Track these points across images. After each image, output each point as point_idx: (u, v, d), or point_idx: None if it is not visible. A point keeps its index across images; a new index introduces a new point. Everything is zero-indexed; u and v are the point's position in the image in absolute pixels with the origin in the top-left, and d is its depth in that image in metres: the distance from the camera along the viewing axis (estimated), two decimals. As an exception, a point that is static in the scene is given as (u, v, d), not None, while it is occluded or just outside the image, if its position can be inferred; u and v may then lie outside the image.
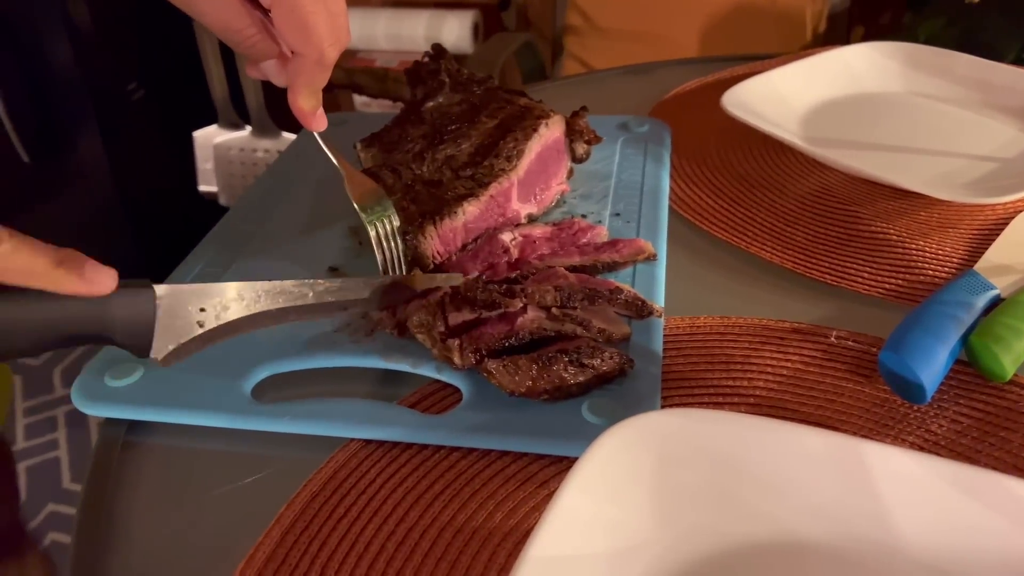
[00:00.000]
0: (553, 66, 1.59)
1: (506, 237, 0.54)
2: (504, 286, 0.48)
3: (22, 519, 0.82)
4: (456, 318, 0.46)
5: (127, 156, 1.68)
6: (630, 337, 0.47)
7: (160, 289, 0.42)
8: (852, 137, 0.70)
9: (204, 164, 1.55)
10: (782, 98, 0.73)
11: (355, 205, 0.51)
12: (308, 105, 0.48)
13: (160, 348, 0.42)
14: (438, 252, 0.53)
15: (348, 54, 1.84)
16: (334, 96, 1.93)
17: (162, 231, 1.79)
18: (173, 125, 1.67)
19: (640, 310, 0.48)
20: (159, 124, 1.73)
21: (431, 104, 0.61)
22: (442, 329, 0.46)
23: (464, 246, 0.54)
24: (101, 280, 0.39)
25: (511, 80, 1.59)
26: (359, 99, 1.79)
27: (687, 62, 0.90)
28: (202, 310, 0.43)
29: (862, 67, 0.79)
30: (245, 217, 0.63)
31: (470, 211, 0.53)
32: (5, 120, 1.59)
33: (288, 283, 0.45)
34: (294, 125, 1.02)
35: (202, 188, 1.59)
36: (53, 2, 1.53)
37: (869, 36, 1.73)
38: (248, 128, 1.56)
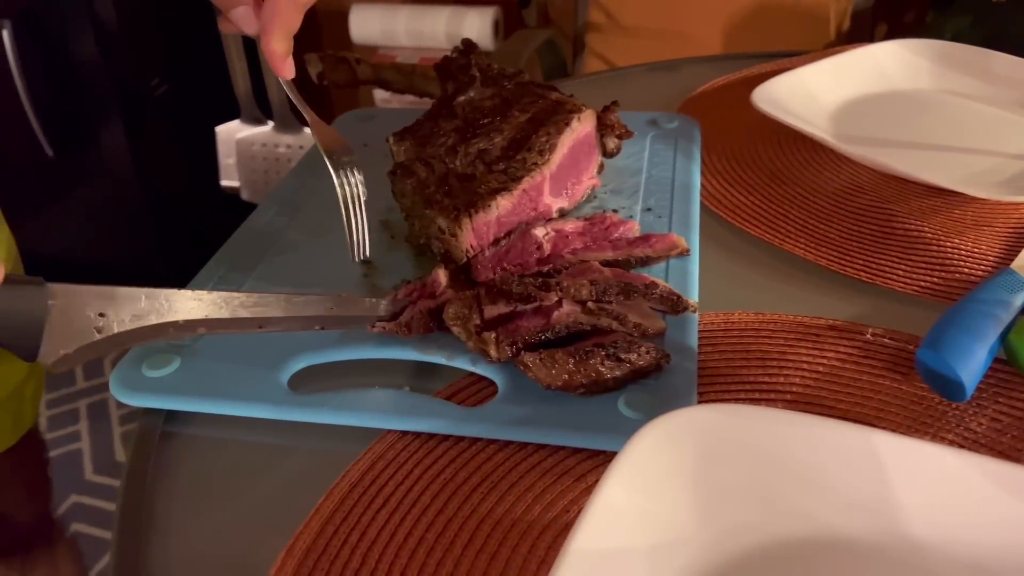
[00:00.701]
0: (574, 64, 1.59)
1: (539, 232, 0.54)
2: (540, 279, 0.48)
3: (52, 511, 0.83)
4: (492, 311, 0.46)
5: (150, 151, 1.69)
6: (665, 332, 0.47)
7: (55, 288, 0.40)
8: (883, 135, 0.69)
9: (226, 159, 1.56)
10: (812, 95, 0.73)
11: (321, 152, 0.51)
12: (281, 48, 0.49)
13: (49, 352, 0.40)
14: (472, 245, 0.53)
15: (369, 50, 1.85)
16: (357, 93, 1.94)
17: (184, 225, 1.81)
18: (196, 120, 1.68)
19: (675, 305, 0.48)
20: (182, 119, 1.74)
21: (463, 98, 0.61)
22: (478, 322, 0.46)
23: (497, 240, 0.54)
24: None
25: (532, 77, 1.59)
26: (380, 96, 1.80)
27: (713, 59, 0.90)
28: (101, 315, 0.41)
29: (892, 65, 0.78)
30: (275, 214, 0.63)
31: (503, 205, 0.53)
32: (30, 114, 1.60)
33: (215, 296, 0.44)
34: (314, 110, 1.02)
35: (224, 183, 1.60)
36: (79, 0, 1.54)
37: (893, 34, 1.72)
38: (270, 123, 1.57)
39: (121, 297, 0.41)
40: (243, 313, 0.44)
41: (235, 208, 1.39)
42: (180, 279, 0.55)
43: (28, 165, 1.69)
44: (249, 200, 1.58)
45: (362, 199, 0.51)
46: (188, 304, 0.43)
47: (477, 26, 1.72)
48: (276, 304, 0.44)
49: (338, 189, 0.50)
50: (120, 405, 1.68)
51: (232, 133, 1.57)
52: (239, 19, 0.48)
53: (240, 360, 0.47)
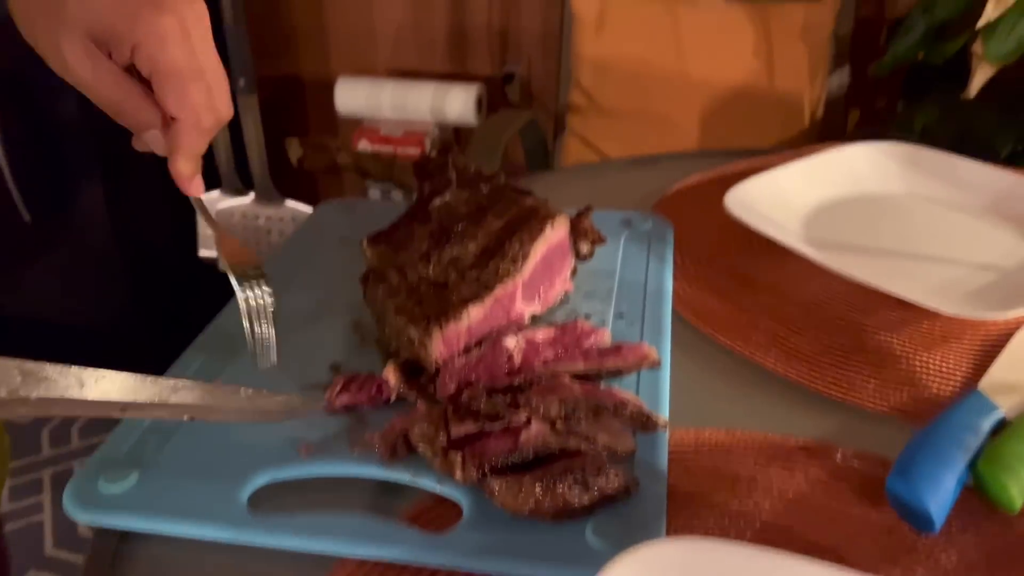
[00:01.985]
0: (555, 142, 1.61)
1: (510, 342, 0.53)
2: (508, 396, 0.47)
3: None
4: (459, 430, 0.46)
5: (129, 217, 1.68)
6: (635, 452, 0.47)
7: None
8: (854, 240, 0.70)
9: (205, 229, 1.56)
10: (785, 198, 0.74)
11: (226, 269, 0.51)
12: (187, 169, 0.50)
13: None
14: (441, 355, 0.52)
15: (353, 122, 1.87)
16: (341, 179, 1.95)
17: (160, 292, 1.79)
18: (177, 188, 1.68)
19: (645, 424, 0.48)
20: (163, 187, 1.74)
21: (438, 201, 0.61)
22: (444, 441, 0.45)
23: (468, 349, 0.54)
24: None
25: (514, 155, 1.61)
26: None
27: (690, 155, 0.92)
28: None
29: (864, 167, 0.80)
30: (235, 324, 0.62)
31: (475, 314, 0.53)
32: (8, 177, 1.59)
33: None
34: (297, 193, 1.02)
35: (202, 253, 1.59)
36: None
37: (864, 121, 1.76)
38: (251, 194, 1.58)
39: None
40: (94, 394, 0.40)
41: (212, 278, 1.39)
42: (154, 345, 0.54)
43: (2, 228, 1.67)
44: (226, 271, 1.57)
45: (269, 311, 0.50)
46: (41, 376, 0.39)
47: (461, 102, 1.75)
48: (142, 388, 0.42)
49: (240, 303, 0.50)
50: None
51: (213, 203, 1.57)
52: (149, 140, 0.50)
53: (200, 474, 0.46)
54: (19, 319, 1.81)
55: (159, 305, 1.77)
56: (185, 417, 0.43)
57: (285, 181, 1.58)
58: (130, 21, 0.46)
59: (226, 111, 0.50)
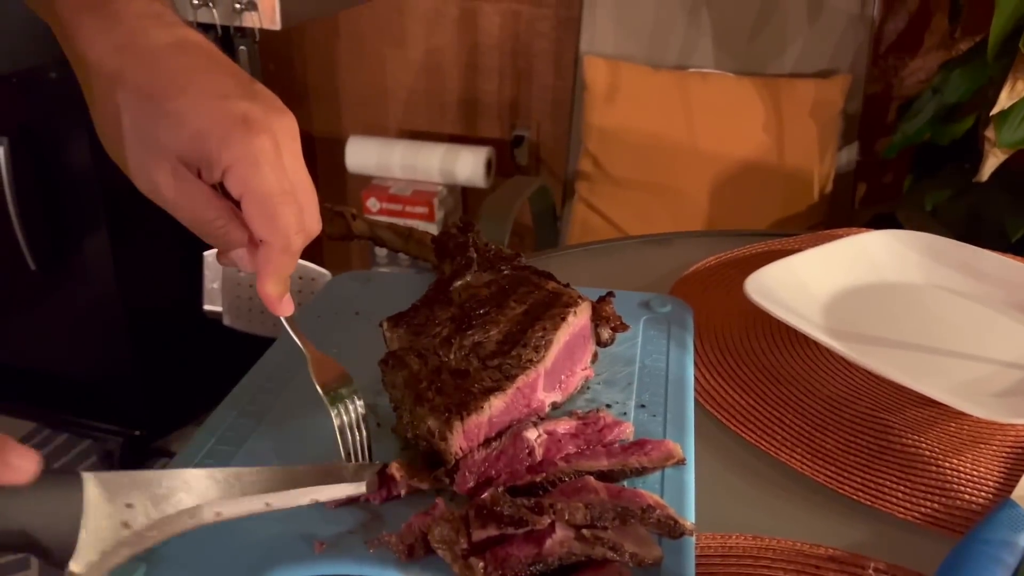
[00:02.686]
0: (563, 207, 1.61)
1: (531, 435, 0.52)
2: (532, 500, 0.46)
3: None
4: (480, 534, 0.44)
5: (134, 269, 1.68)
6: (662, 560, 0.45)
7: (87, 478, 0.36)
8: (876, 329, 0.70)
9: (211, 284, 1.55)
10: (803, 285, 0.74)
11: (318, 389, 0.51)
12: (276, 291, 0.49)
13: (82, 556, 0.35)
14: (461, 447, 0.51)
15: (363, 180, 1.88)
16: (355, 246, 1.96)
17: (162, 345, 1.78)
18: (184, 242, 1.68)
19: (672, 530, 0.46)
20: (170, 240, 1.73)
21: (459, 283, 0.61)
22: (465, 546, 0.44)
23: (488, 441, 0.52)
24: (22, 465, 0.34)
25: (522, 216, 1.61)
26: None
27: (704, 234, 0.92)
28: (129, 506, 0.37)
29: (882, 256, 0.79)
30: (263, 386, 0.61)
31: (496, 405, 0.52)
32: (16, 226, 1.59)
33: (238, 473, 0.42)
34: (306, 252, 1.02)
35: (207, 307, 1.58)
36: (77, 114, 1.56)
37: (872, 196, 1.78)
38: (258, 251, 1.58)
39: (141, 482, 0.38)
40: (243, 492, 0.41)
41: (215, 332, 1.37)
42: (154, 399, 0.53)
43: (9, 277, 1.67)
44: (231, 326, 1.56)
45: (361, 424, 0.51)
46: (203, 484, 0.40)
47: (470, 164, 1.76)
48: (280, 480, 0.43)
49: (335, 421, 0.50)
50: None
51: (219, 258, 1.56)
52: (236, 259, 0.49)
53: (210, 571, 0.44)
54: (21, 369, 1.80)
55: (162, 358, 1.75)
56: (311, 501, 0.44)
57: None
58: (222, 144, 0.44)
59: (315, 228, 0.49)
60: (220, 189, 0.47)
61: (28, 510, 0.34)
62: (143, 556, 0.44)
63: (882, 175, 1.77)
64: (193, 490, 0.39)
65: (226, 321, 1.61)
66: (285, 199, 0.46)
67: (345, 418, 0.50)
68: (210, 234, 0.47)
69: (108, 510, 0.36)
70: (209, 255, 1.59)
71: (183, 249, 1.64)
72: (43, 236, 1.62)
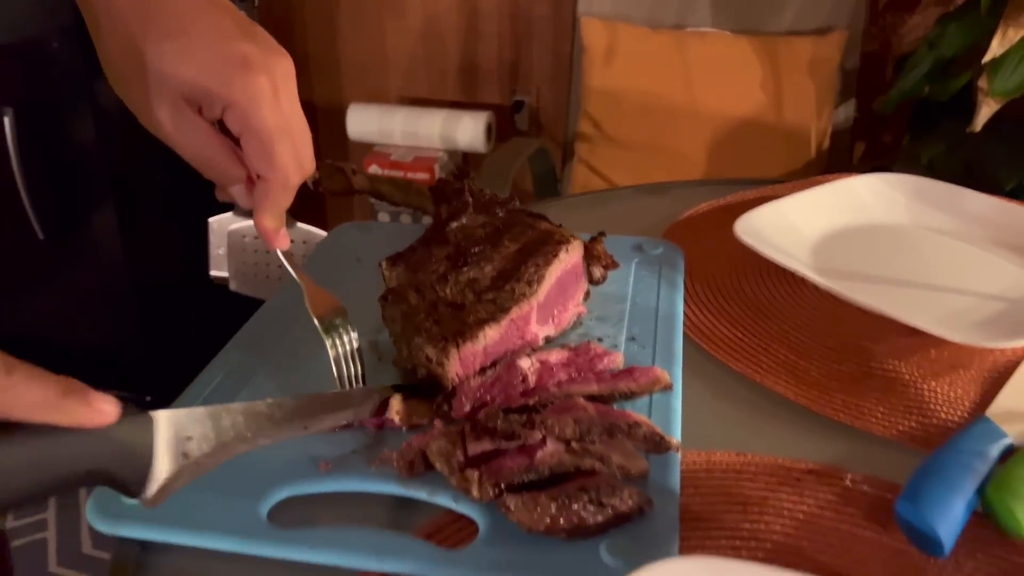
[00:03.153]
0: (563, 170, 1.63)
1: (524, 364, 0.54)
2: (524, 416, 0.48)
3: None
4: (476, 448, 0.47)
5: (141, 237, 1.70)
6: (648, 473, 0.48)
7: (159, 417, 0.40)
8: (863, 268, 0.71)
9: (217, 250, 1.57)
10: (793, 226, 0.75)
11: (314, 320, 0.53)
12: (273, 225, 0.52)
13: (152, 485, 0.39)
14: (458, 374, 0.53)
15: (364, 147, 1.89)
16: (351, 202, 1.98)
17: (169, 312, 1.81)
18: (189, 209, 1.70)
19: (658, 445, 0.49)
20: (175, 208, 1.76)
21: (455, 225, 0.63)
22: (461, 459, 0.46)
23: (483, 369, 0.55)
24: (106, 409, 0.37)
25: (522, 182, 1.63)
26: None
27: (699, 183, 0.93)
28: (188, 439, 0.40)
29: (871, 198, 0.81)
30: (269, 325, 0.63)
31: (491, 335, 0.54)
32: (24, 196, 1.62)
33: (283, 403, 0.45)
34: (308, 216, 1.03)
35: (213, 273, 1.60)
36: (80, 85, 1.57)
37: (870, 154, 1.78)
38: (263, 217, 1.60)
39: (202, 417, 0.41)
40: (281, 418, 0.44)
41: (222, 298, 1.40)
42: (161, 366, 0.56)
43: (18, 246, 1.69)
44: (238, 291, 1.58)
45: (356, 356, 0.53)
46: (246, 414, 0.43)
47: (471, 129, 1.77)
48: (311, 403, 0.46)
49: (330, 351, 0.52)
50: (90, 493, 1.64)
51: (224, 225, 1.58)
52: (235, 195, 0.52)
53: (221, 488, 0.47)
54: (30, 339, 1.83)
55: (169, 325, 1.78)
56: (343, 422, 0.50)
57: (296, 204, 1.60)
58: (222, 82, 0.46)
59: (310, 166, 0.51)
60: (220, 127, 0.49)
61: (110, 449, 0.38)
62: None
63: (881, 133, 1.78)
64: (241, 420, 0.43)
65: (232, 286, 1.64)
66: (282, 137, 0.48)
67: (340, 348, 0.52)
68: (210, 170, 0.50)
69: (173, 443, 0.40)
70: (214, 221, 1.61)
71: (188, 216, 1.67)
72: (50, 205, 1.64)
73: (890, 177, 0.83)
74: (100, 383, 0.42)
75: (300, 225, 1.53)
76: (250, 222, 1.64)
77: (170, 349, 1.76)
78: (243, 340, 0.62)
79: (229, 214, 1.61)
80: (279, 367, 0.58)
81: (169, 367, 1.75)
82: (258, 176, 0.50)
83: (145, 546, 0.46)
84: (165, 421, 0.40)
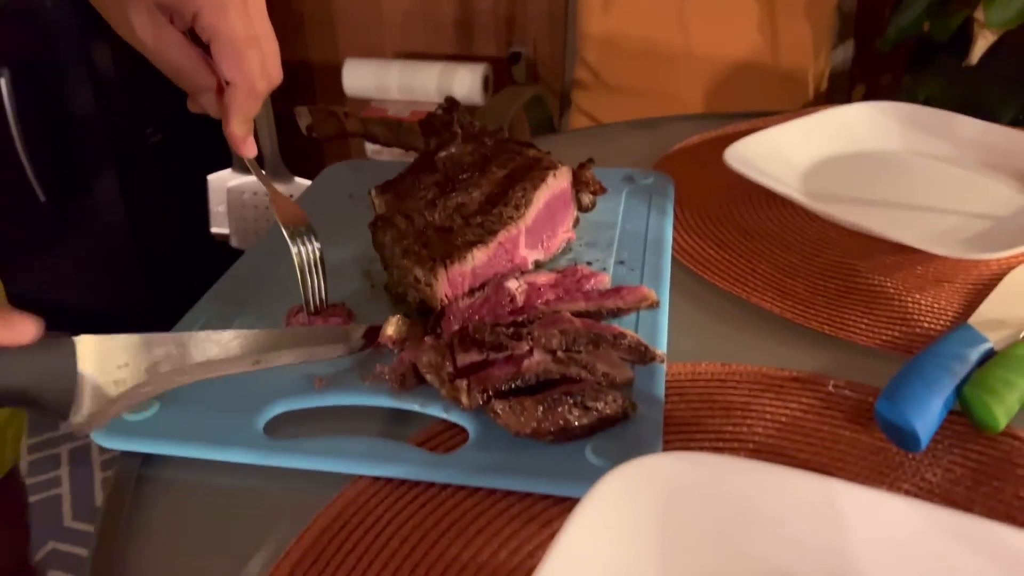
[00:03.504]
0: (561, 119, 1.62)
1: (512, 285, 0.55)
2: (511, 329, 0.49)
3: (30, 556, 0.82)
4: (464, 359, 0.48)
5: (141, 197, 1.71)
6: (633, 382, 0.49)
7: (83, 341, 0.39)
8: (851, 193, 0.72)
9: (217, 207, 1.58)
10: (783, 155, 0.76)
11: (280, 225, 0.54)
12: (241, 131, 0.54)
13: (79, 410, 0.39)
14: (446, 295, 0.54)
15: (361, 103, 1.89)
16: (348, 144, 1.97)
17: (173, 271, 1.82)
18: (188, 168, 1.70)
19: (643, 355, 0.50)
20: (174, 167, 1.76)
21: (444, 154, 0.63)
22: (450, 370, 0.47)
23: (472, 291, 0.56)
24: (24, 328, 0.36)
25: (520, 132, 1.62)
26: (371, 147, 1.83)
27: (691, 118, 0.93)
28: (121, 366, 0.40)
29: (861, 126, 0.81)
30: (259, 261, 0.64)
31: (479, 256, 0.55)
32: (24, 160, 1.62)
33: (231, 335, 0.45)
34: (307, 171, 1.04)
35: (214, 230, 1.62)
36: (76, 47, 1.57)
37: (870, 96, 1.76)
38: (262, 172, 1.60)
39: (137, 345, 0.41)
40: (235, 351, 0.45)
41: (223, 254, 1.41)
42: (168, 324, 0.57)
43: (21, 210, 1.71)
44: (238, 247, 1.59)
45: (318, 265, 0.54)
46: (191, 344, 0.43)
47: (467, 82, 1.77)
48: (265, 338, 0.46)
49: (295, 257, 0.53)
50: (102, 451, 1.67)
51: (223, 181, 1.59)
52: (204, 103, 0.53)
53: (218, 405, 0.48)
54: (36, 302, 1.84)
55: (172, 284, 1.80)
56: (297, 361, 0.48)
57: (294, 159, 1.61)
58: None
59: (277, 76, 0.53)
60: (192, 36, 0.51)
61: (28, 370, 0.37)
62: (157, 395, 0.49)
63: (880, 74, 1.76)
64: (184, 351, 0.43)
65: (233, 243, 1.65)
66: (250, 43, 0.50)
67: (304, 256, 0.53)
68: (181, 77, 0.52)
69: (102, 369, 0.40)
70: (213, 178, 1.61)
71: (187, 175, 1.68)
72: (51, 168, 1.65)
73: (882, 105, 0.83)
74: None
75: (298, 180, 1.54)
76: (249, 178, 1.64)
77: (174, 307, 1.77)
78: (220, 291, 0.62)
79: (227, 171, 1.62)
80: (259, 317, 0.58)
81: (174, 324, 1.77)
82: (227, 83, 0.51)
83: (145, 459, 0.47)
84: (92, 346, 0.39)
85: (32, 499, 1.56)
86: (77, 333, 0.40)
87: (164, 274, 1.80)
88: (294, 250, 0.53)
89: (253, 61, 0.50)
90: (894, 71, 1.74)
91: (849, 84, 1.60)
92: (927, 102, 1.30)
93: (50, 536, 1.48)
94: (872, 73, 1.75)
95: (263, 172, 0.58)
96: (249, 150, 0.55)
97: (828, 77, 1.53)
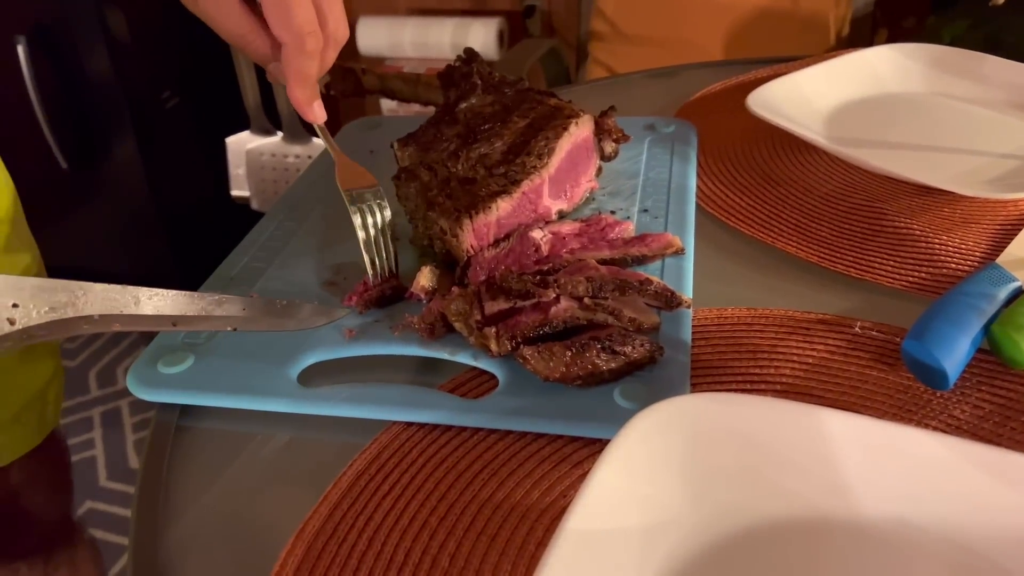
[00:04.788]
0: (578, 72, 1.61)
1: (536, 235, 0.55)
2: (538, 276, 0.50)
3: (73, 512, 0.85)
4: (492, 307, 0.48)
5: (161, 162, 1.72)
6: (660, 327, 0.49)
7: None
8: (876, 136, 0.71)
9: (236, 169, 1.58)
10: (806, 99, 0.75)
11: (341, 191, 0.53)
12: (302, 95, 0.52)
13: None
14: (472, 246, 0.55)
15: (376, 61, 1.88)
16: (364, 104, 1.97)
17: (195, 234, 1.84)
18: (206, 131, 1.71)
19: (669, 301, 0.50)
20: (193, 131, 1.77)
21: (464, 105, 0.63)
22: (479, 317, 0.48)
23: (497, 242, 0.56)
24: None
25: (536, 85, 1.61)
26: (387, 105, 1.82)
27: (711, 65, 0.92)
28: (14, 306, 0.40)
29: (885, 68, 0.80)
30: (279, 225, 0.65)
31: (503, 207, 0.55)
32: (44, 127, 1.63)
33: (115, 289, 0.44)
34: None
35: (234, 193, 1.62)
36: (91, 13, 1.57)
37: (892, 39, 1.73)
38: (279, 134, 1.60)
39: (33, 288, 0.41)
40: (149, 310, 0.44)
41: (245, 217, 1.42)
42: (191, 287, 0.57)
43: (43, 177, 1.72)
44: (259, 209, 1.60)
45: (387, 234, 0.53)
46: (102, 296, 0.43)
47: (482, 36, 1.75)
48: (191, 303, 0.45)
49: (359, 232, 0.52)
50: (133, 413, 1.71)
51: (242, 144, 1.59)
52: (274, 72, 0.53)
53: (251, 358, 0.49)
54: (60, 268, 1.87)
55: (195, 248, 1.81)
56: (229, 328, 0.46)
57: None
58: None
59: (338, 32, 0.51)
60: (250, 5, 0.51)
61: None
62: (191, 347, 0.50)
63: (902, 18, 1.73)
64: (92, 301, 0.42)
65: (254, 205, 1.65)
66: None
67: (370, 222, 0.52)
68: (247, 48, 0.52)
69: None
70: (232, 141, 1.62)
71: (207, 139, 1.68)
72: (71, 135, 1.66)
73: (905, 47, 0.82)
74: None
75: (315, 141, 1.54)
76: (267, 139, 1.65)
77: (198, 270, 1.79)
78: (251, 242, 0.63)
79: (246, 133, 1.62)
80: (287, 267, 0.59)
81: (197, 288, 1.79)
82: (281, 43, 0.50)
83: (183, 411, 0.48)
84: None
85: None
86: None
87: (186, 238, 1.82)
88: (354, 213, 0.52)
89: (300, 16, 0.48)
90: (918, 14, 1.71)
91: (871, 28, 1.57)
92: (952, 43, 1.28)
93: (87, 496, 1.52)
94: (895, 17, 1.72)
95: (330, 138, 0.57)
96: (317, 115, 0.54)
97: (850, 21, 1.50)
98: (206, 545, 0.41)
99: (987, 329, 0.47)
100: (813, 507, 0.39)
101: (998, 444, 0.42)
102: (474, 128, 0.60)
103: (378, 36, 1.82)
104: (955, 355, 0.45)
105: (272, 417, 0.47)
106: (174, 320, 0.45)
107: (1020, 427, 0.43)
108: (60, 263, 1.97)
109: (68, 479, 0.82)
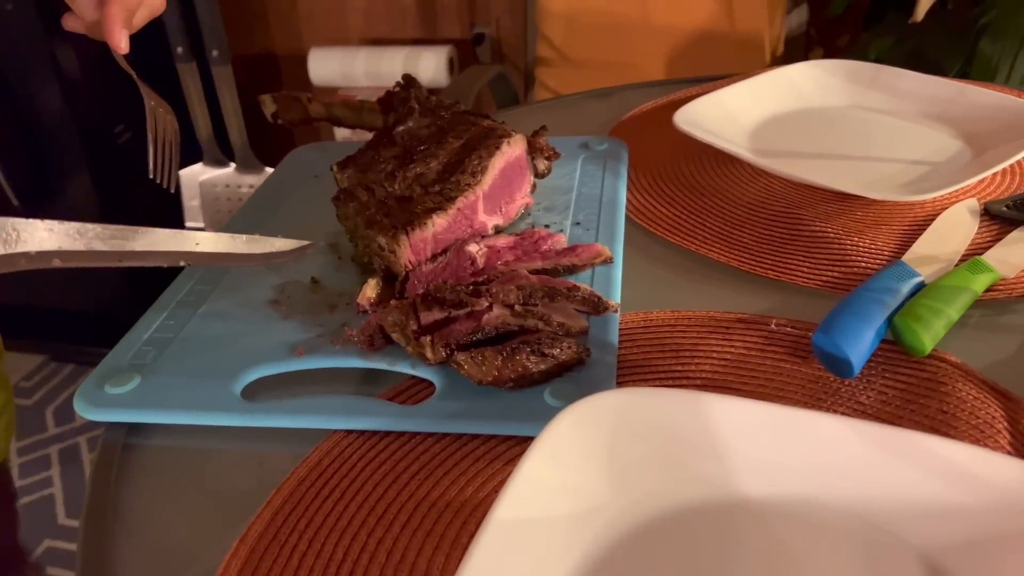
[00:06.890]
0: (526, 95, 1.65)
1: (472, 248, 0.58)
2: (471, 287, 0.52)
3: (21, 544, 0.85)
4: (427, 317, 0.51)
5: (116, 196, 1.72)
6: (588, 330, 0.52)
7: None
8: (796, 148, 0.75)
9: (190, 201, 1.60)
10: (731, 115, 0.79)
11: (146, 104, 0.60)
12: (117, 11, 0.53)
13: None
14: (410, 261, 0.57)
15: (328, 91, 1.90)
16: (318, 131, 1.99)
17: (151, 268, 1.83)
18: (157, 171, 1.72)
19: (597, 306, 0.53)
20: (146, 165, 1.77)
21: (402, 128, 0.66)
22: (415, 327, 0.50)
23: (434, 256, 0.58)
24: None
25: (486, 110, 1.64)
26: (341, 133, 1.85)
27: (646, 85, 0.96)
28: None
29: (807, 84, 0.84)
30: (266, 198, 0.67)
31: (439, 223, 0.58)
32: (-5, 165, 1.63)
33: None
34: (277, 161, 1.06)
35: (189, 224, 1.64)
36: (42, 50, 1.58)
37: (828, 57, 1.80)
38: (232, 165, 1.62)
39: None
40: (99, 246, 0.43)
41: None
42: None
43: (-6, 216, 1.71)
44: (215, 240, 1.61)
45: (175, 136, 0.60)
46: (40, 234, 0.43)
47: (433, 64, 1.79)
48: (136, 237, 0.44)
49: (148, 115, 0.60)
50: (91, 449, 1.69)
51: (195, 176, 1.61)
52: (79, 8, 0.54)
53: (196, 375, 0.51)
54: (19, 306, 1.85)
55: (150, 281, 1.81)
56: (182, 263, 0.46)
57: (264, 150, 1.63)
58: None
59: None
60: None
61: None
62: (137, 367, 0.51)
63: (836, 38, 1.80)
64: (26, 240, 0.42)
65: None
66: None
67: (159, 120, 0.60)
68: None
69: None
70: (184, 174, 1.63)
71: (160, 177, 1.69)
72: (23, 171, 1.66)
73: (826, 63, 0.86)
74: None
75: (268, 171, 1.55)
76: (220, 171, 1.66)
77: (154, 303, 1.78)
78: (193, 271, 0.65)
79: (199, 165, 1.63)
80: (243, 274, 0.62)
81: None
82: None
83: (131, 429, 0.50)
84: None
85: (26, 500, 1.58)
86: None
87: (142, 271, 1.81)
88: (149, 108, 0.58)
89: None
90: (852, 32, 1.78)
91: (806, 47, 1.64)
92: (878, 59, 1.34)
93: (45, 534, 1.50)
94: (829, 36, 1.79)
95: (128, 65, 0.61)
96: (120, 42, 0.54)
97: (784, 41, 1.56)
98: (153, 553, 0.42)
99: (891, 321, 0.50)
100: (728, 490, 0.41)
101: (899, 424, 0.45)
102: (411, 149, 0.63)
103: (331, 66, 1.85)
104: (860, 346, 0.48)
105: (216, 431, 0.48)
106: (120, 256, 0.44)
107: (919, 409, 0.46)
108: (18, 301, 1.95)
109: (12, 511, 0.82)
